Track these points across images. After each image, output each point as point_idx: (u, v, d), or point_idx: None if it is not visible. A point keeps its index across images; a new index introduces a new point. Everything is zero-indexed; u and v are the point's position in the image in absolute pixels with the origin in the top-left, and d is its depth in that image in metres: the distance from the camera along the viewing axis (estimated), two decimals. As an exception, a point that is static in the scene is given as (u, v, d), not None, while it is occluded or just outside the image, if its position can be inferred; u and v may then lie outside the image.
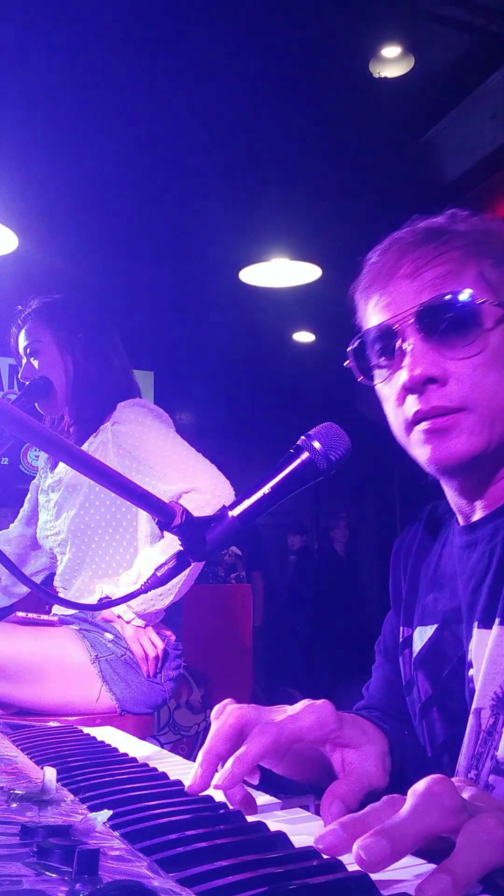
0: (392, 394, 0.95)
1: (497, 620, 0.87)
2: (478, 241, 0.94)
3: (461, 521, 1.00)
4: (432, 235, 0.95)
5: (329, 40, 3.94)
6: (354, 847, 0.52)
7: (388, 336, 0.94)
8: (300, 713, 0.77)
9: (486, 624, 0.89)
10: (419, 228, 0.97)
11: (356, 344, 0.98)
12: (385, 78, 3.97)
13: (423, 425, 0.92)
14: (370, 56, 3.87)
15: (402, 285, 0.94)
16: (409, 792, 0.55)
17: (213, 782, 0.72)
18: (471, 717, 0.88)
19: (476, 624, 0.91)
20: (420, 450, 0.93)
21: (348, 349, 0.99)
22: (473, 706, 0.88)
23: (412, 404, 0.92)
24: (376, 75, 3.95)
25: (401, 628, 1.08)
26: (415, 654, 1.02)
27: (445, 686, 0.95)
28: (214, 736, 0.78)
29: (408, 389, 0.92)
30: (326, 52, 3.99)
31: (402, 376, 0.92)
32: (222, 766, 0.77)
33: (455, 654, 0.94)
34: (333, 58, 4.04)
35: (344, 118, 4.53)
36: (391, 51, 3.82)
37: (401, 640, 1.08)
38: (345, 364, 0.99)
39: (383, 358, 0.95)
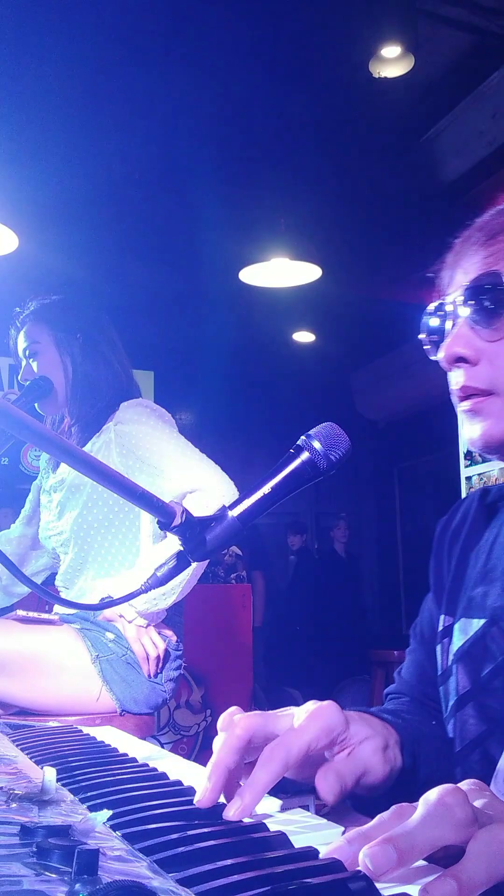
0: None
1: None
2: None
3: None
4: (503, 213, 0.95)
5: (329, 40, 3.94)
6: (361, 854, 0.52)
7: (442, 313, 0.96)
8: (306, 723, 0.75)
9: None
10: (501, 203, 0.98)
11: (424, 318, 1.00)
12: (385, 78, 3.96)
13: (463, 405, 0.94)
14: (370, 56, 3.87)
15: (463, 263, 0.95)
16: (421, 800, 0.55)
17: (227, 814, 0.71)
18: None
19: None
20: (462, 427, 0.96)
21: (422, 321, 1.00)
22: None
23: (451, 382, 0.95)
24: (376, 75, 3.95)
25: (441, 616, 1.05)
26: (456, 647, 1.00)
27: (485, 683, 0.94)
28: (222, 748, 0.76)
29: (446, 367, 0.94)
30: (326, 52, 4.00)
31: (441, 353, 0.94)
32: (229, 777, 0.76)
33: (501, 653, 0.93)
34: (333, 58, 4.04)
35: (344, 118, 4.53)
36: (391, 51, 3.82)
37: (440, 628, 1.05)
38: (419, 336, 1.00)
39: (441, 335, 0.97)
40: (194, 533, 0.84)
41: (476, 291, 0.92)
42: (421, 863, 0.56)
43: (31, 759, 0.99)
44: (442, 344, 0.95)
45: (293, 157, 4.84)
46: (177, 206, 5.03)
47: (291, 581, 7.98)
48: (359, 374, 8.49)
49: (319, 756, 0.80)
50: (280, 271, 4.90)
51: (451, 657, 1.00)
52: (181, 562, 0.86)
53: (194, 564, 1.23)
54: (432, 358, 0.99)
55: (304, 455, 0.86)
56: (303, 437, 0.87)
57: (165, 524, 0.83)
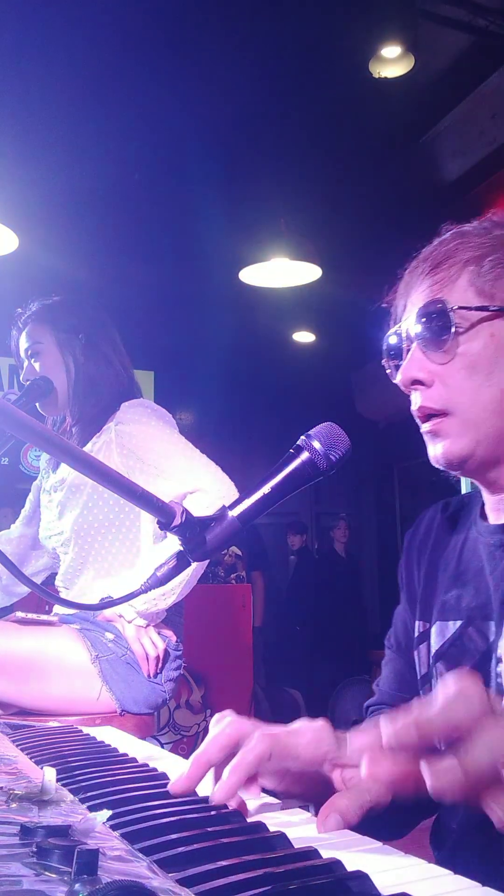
0: None
1: None
2: (485, 245, 0.99)
3: (492, 519, 1.03)
4: (448, 241, 1.01)
5: (329, 40, 3.94)
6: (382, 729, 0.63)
7: (399, 339, 1.03)
8: (297, 729, 0.78)
9: None
10: (445, 233, 1.04)
11: (384, 344, 1.06)
12: (385, 78, 3.96)
13: (424, 426, 1.00)
14: (370, 56, 3.86)
15: (412, 292, 1.03)
16: (440, 688, 0.64)
17: (212, 797, 0.72)
18: None
19: None
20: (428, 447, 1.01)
21: (383, 347, 1.06)
22: None
23: (412, 404, 1.00)
24: (376, 75, 3.95)
25: (416, 623, 1.09)
26: (434, 649, 1.03)
27: None
28: (209, 743, 0.79)
29: (404, 389, 1.00)
30: (326, 52, 3.99)
31: (398, 377, 1.01)
32: (215, 774, 0.78)
33: (478, 650, 0.96)
34: (333, 58, 4.04)
35: (344, 118, 4.53)
36: (391, 51, 3.82)
37: (416, 634, 1.08)
38: (382, 361, 1.07)
39: (400, 359, 1.04)
40: (194, 533, 0.84)
41: (424, 318, 0.98)
42: (421, 861, 0.56)
43: (31, 759, 0.99)
44: (399, 368, 1.01)
45: (293, 157, 4.83)
46: (177, 206, 5.03)
47: (291, 581, 7.97)
48: (359, 374, 8.49)
49: (314, 774, 0.80)
50: (280, 271, 4.90)
51: (430, 659, 1.04)
52: (181, 562, 0.86)
53: (194, 564, 1.23)
54: (394, 381, 1.05)
55: (304, 455, 0.86)
56: (303, 437, 0.87)
57: (165, 524, 0.83)
